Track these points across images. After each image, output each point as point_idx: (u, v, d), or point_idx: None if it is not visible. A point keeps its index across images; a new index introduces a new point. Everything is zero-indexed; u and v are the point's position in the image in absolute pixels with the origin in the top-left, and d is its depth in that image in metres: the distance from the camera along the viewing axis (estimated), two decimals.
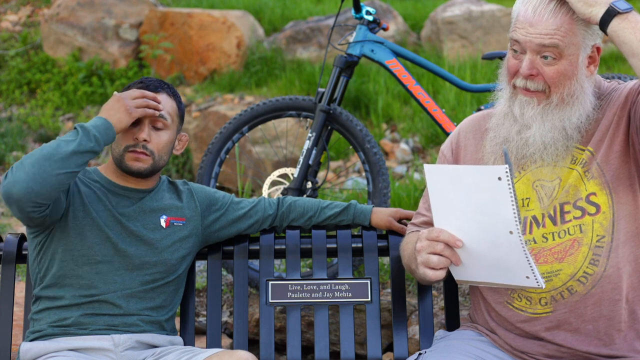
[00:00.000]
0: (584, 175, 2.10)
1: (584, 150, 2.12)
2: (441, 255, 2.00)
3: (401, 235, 2.65)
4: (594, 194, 2.09)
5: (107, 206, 2.41)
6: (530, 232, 2.14)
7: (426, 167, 1.94)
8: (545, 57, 2.07)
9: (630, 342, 2.10)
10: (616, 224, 2.08)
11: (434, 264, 2.01)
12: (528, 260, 1.89)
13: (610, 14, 1.99)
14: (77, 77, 7.06)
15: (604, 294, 2.08)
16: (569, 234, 2.10)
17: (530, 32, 2.07)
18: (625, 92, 2.13)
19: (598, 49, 2.13)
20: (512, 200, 1.83)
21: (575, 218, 2.10)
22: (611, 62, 5.92)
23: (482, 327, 2.27)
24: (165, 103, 2.44)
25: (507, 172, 1.80)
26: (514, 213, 1.84)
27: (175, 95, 2.48)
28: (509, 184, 1.81)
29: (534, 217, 2.14)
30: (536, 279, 1.91)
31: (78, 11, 7.32)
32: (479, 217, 1.90)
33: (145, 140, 2.39)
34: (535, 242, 2.12)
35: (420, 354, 2.20)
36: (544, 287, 1.94)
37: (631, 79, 3.74)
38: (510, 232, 1.86)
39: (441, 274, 2.03)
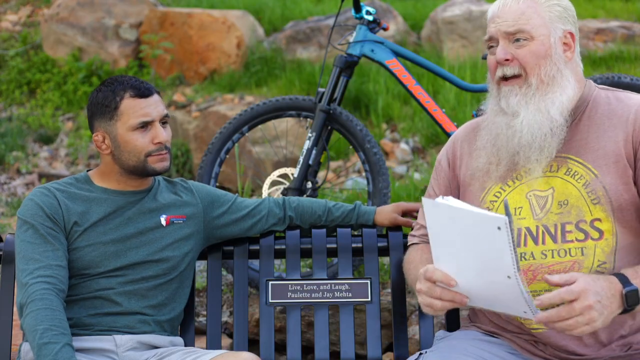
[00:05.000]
0: (587, 196, 2.10)
1: (584, 168, 2.12)
2: (441, 299, 1.98)
3: (404, 231, 2.68)
4: (599, 220, 2.09)
5: (106, 223, 2.41)
6: (525, 245, 2.13)
7: (424, 201, 1.90)
8: (517, 40, 2.15)
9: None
10: (617, 253, 2.08)
11: (438, 308, 1.99)
12: (526, 300, 1.86)
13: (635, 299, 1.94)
14: (77, 77, 7.06)
15: None
16: (570, 255, 2.09)
17: (498, 22, 2.18)
18: (632, 121, 2.12)
19: (571, 34, 2.19)
20: (511, 250, 1.79)
21: (577, 240, 2.09)
22: (611, 62, 5.91)
23: (485, 327, 2.27)
24: (160, 101, 2.45)
25: (506, 223, 1.77)
26: (513, 260, 1.81)
27: (157, 90, 2.48)
28: (508, 235, 1.78)
29: (528, 230, 2.14)
30: (533, 313, 1.89)
31: (78, 11, 7.32)
32: (476, 258, 1.87)
33: (166, 141, 2.43)
34: (534, 258, 2.12)
35: (420, 354, 2.20)
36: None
37: (630, 79, 3.75)
38: (508, 277, 1.83)
39: (441, 313, 2.02)
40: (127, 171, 2.44)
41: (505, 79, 2.18)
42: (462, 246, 1.88)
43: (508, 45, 2.16)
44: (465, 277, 1.92)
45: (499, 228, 1.78)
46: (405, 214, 2.73)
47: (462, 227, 1.86)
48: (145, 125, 2.40)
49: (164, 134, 2.41)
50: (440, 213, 1.89)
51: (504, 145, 2.17)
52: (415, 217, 2.73)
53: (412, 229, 2.53)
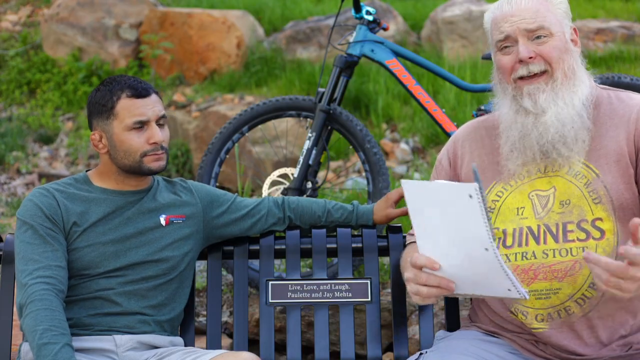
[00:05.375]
0: (589, 196, 2.10)
1: (586, 167, 2.12)
2: (427, 285, 1.95)
3: (404, 231, 2.70)
4: (601, 219, 2.09)
5: (105, 223, 2.41)
6: (527, 244, 2.14)
7: (403, 182, 1.90)
8: (538, 37, 2.14)
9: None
10: (619, 252, 2.07)
11: (424, 295, 1.96)
12: (507, 274, 1.85)
13: None
14: (77, 77, 7.06)
15: (599, 320, 2.09)
16: (572, 254, 2.09)
17: (515, 20, 2.15)
18: (634, 121, 2.12)
19: (575, 30, 2.23)
20: (483, 218, 1.79)
21: (578, 239, 2.09)
22: (611, 62, 5.91)
23: (485, 326, 2.27)
24: (158, 102, 2.45)
25: (476, 190, 1.77)
26: (487, 230, 1.81)
27: (155, 89, 2.48)
28: (479, 202, 1.78)
29: (530, 229, 2.14)
30: (518, 291, 1.88)
31: (78, 11, 7.31)
32: (454, 234, 1.87)
33: (162, 141, 2.42)
34: (535, 258, 2.12)
35: (421, 353, 2.20)
36: (527, 297, 1.90)
37: (630, 79, 3.75)
38: (486, 249, 1.83)
39: (430, 301, 1.99)
40: (124, 170, 2.44)
41: (523, 77, 2.16)
42: (440, 223, 1.88)
43: (529, 43, 2.15)
44: (448, 259, 1.92)
45: (470, 196, 1.78)
46: (398, 202, 2.74)
47: (437, 203, 1.86)
48: (140, 125, 2.40)
49: (159, 134, 2.41)
50: (416, 192, 1.90)
51: (534, 144, 2.15)
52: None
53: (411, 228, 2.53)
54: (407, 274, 2.00)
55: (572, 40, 2.20)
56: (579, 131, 2.12)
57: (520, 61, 2.15)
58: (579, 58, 2.20)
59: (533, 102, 2.14)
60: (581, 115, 2.13)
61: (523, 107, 2.16)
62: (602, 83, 3.62)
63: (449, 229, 1.88)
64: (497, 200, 2.21)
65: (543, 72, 2.15)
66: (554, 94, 2.13)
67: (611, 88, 2.25)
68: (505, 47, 2.18)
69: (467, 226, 1.83)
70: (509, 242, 2.17)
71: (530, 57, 2.14)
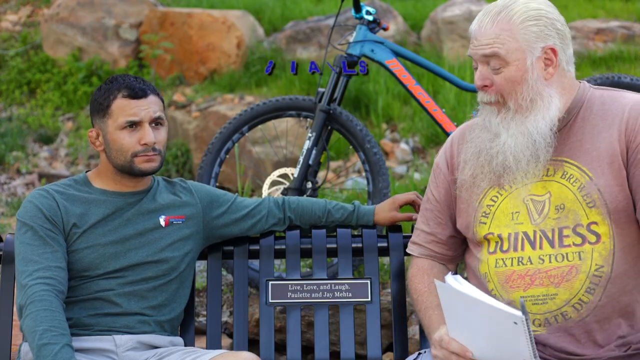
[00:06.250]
0: (583, 200, 2.09)
1: (579, 171, 2.11)
2: None
3: (404, 231, 2.67)
4: (596, 223, 2.08)
5: (105, 225, 2.41)
6: (523, 250, 2.13)
7: (438, 285, 1.87)
8: (494, 67, 2.11)
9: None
10: (616, 255, 2.07)
11: None
12: None
13: None
14: (77, 77, 7.06)
15: (596, 324, 2.08)
16: (568, 259, 2.09)
17: (475, 44, 2.13)
18: (625, 119, 2.11)
19: (553, 50, 2.11)
20: (527, 342, 1.78)
21: (574, 244, 2.09)
22: (611, 62, 5.91)
23: None
24: (156, 103, 2.44)
25: (523, 321, 1.75)
26: (530, 351, 1.79)
27: (156, 91, 2.47)
28: (525, 330, 1.76)
29: (525, 234, 2.14)
30: None
31: (78, 11, 7.31)
32: (492, 340, 1.86)
33: (153, 143, 2.40)
34: (531, 263, 2.12)
35: (419, 353, 2.20)
36: None
37: (630, 79, 3.75)
38: None
39: None
40: (118, 170, 2.44)
41: (484, 102, 2.18)
42: (477, 327, 1.87)
43: (486, 70, 2.14)
44: (481, 350, 1.91)
45: (515, 323, 1.77)
46: (402, 206, 2.73)
47: (477, 315, 1.84)
48: (133, 126, 2.39)
49: (150, 136, 2.39)
50: (454, 296, 1.86)
51: (487, 163, 2.18)
52: (412, 206, 2.72)
53: (411, 231, 2.52)
54: (435, 351, 2.00)
55: (546, 59, 2.11)
56: (530, 164, 2.12)
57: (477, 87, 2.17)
58: (544, 84, 2.11)
59: (489, 121, 2.16)
60: (538, 145, 2.10)
61: (484, 123, 2.18)
62: (602, 83, 3.62)
63: (486, 335, 1.86)
64: (492, 205, 2.20)
65: (495, 102, 2.15)
66: (506, 122, 2.13)
67: (606, 88, 2.22)
68: (474, 66, 2.19)
69: (507, 341, 1.82)
70: (504, 246, 2.17)
71: (485, 86, 2.14)
